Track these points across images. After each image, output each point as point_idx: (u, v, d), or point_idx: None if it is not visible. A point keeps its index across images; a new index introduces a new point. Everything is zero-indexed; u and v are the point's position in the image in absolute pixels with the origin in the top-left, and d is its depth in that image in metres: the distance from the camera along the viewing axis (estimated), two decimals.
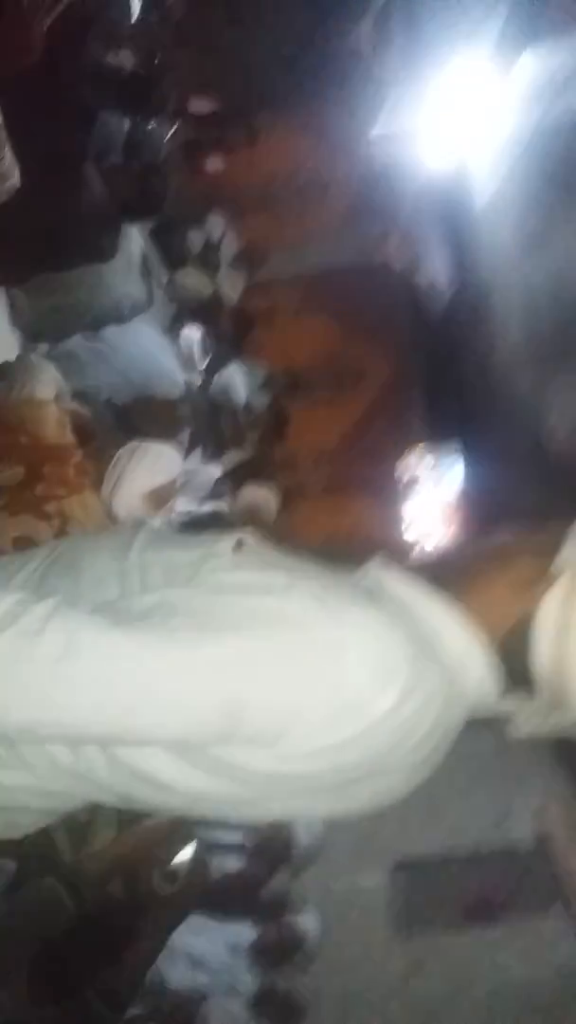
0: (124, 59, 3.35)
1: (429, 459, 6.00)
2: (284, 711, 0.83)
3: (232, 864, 3.56)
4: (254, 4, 4.87)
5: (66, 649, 0.80)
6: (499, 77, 3.03)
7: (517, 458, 4.27)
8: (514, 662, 0.93)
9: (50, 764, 0.91)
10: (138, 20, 3.30)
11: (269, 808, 0.94)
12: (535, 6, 2.51)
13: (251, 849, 3.64)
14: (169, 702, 0.82)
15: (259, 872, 3.65)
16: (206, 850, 3.06)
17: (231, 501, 3.58)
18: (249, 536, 1.02)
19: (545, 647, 0.91)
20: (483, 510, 5.34)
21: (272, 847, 3.70)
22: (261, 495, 3.68)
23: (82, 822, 2.34)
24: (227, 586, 0.90)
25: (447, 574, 0.98)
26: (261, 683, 0.83)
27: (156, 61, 3.59)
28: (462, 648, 0.92)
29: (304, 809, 0.97)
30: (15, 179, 2.18)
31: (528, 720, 0.99)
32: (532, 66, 2.70)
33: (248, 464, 4.31)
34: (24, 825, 1.10)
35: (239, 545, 0.99)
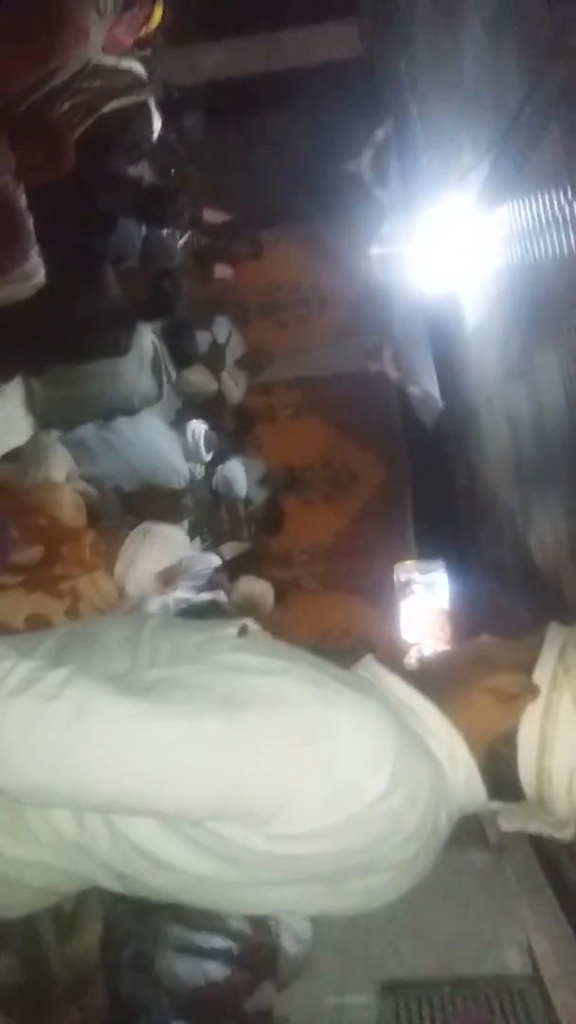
0: (144, 172, 3.63)
1: (419, 564, 6.07)
2: (277, 788, 0.85)
3: (217, 971, 3.38)
4: (264, 129, 5.31)
5: (78, 713, 0.84)
6: (486, 214, 3.29)
7: (504, 568, 4.36)
8: (500, 769, 0.96)
9: (55, 835, 0.93)
10: (159, 138, 3.57)
11: (262, 896, 0.96)
12: (520, 157, 2.77)
13: (238, 956, 3.47)
14: (168, 769, 0.85)
15: (245, 981, 3.46)
16: (192, 954, 2.94)
17: (228, 592, 3.62)
18: (253, 623, 1.08)
19: (529, 759, 0.95)
20: (471, 617, 5.38)
21: (260, 955, 3.53)
22: (258, 588, 3.72)
23: (68, 913, 2.27)
24: (229, 665, 0.94)
25: (434, 678, 1.03)
26: (256, 758, 0.86)
27: (172, 175, 3.88)
28: (449, 748, 0.96)
29: (297, 901, 0.97)
30: (40, 278, 2.34)
31: (515, 818, 1.02)
32: (516, 208, 2.96)
33: (245, 556, 4.37)
34: (19, 905, 1.12)
35: (243, 631, 1.05)
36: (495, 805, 1.00)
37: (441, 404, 5.07)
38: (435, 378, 5.02)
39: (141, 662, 1.00)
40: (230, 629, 1.05)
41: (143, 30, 2.90)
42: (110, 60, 2.79)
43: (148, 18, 2.89)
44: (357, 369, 5.86)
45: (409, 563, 6.04)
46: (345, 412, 6.15)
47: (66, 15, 2.09)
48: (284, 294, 6.10)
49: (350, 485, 6.34)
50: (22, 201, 2.12)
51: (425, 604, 5.85)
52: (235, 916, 2.93)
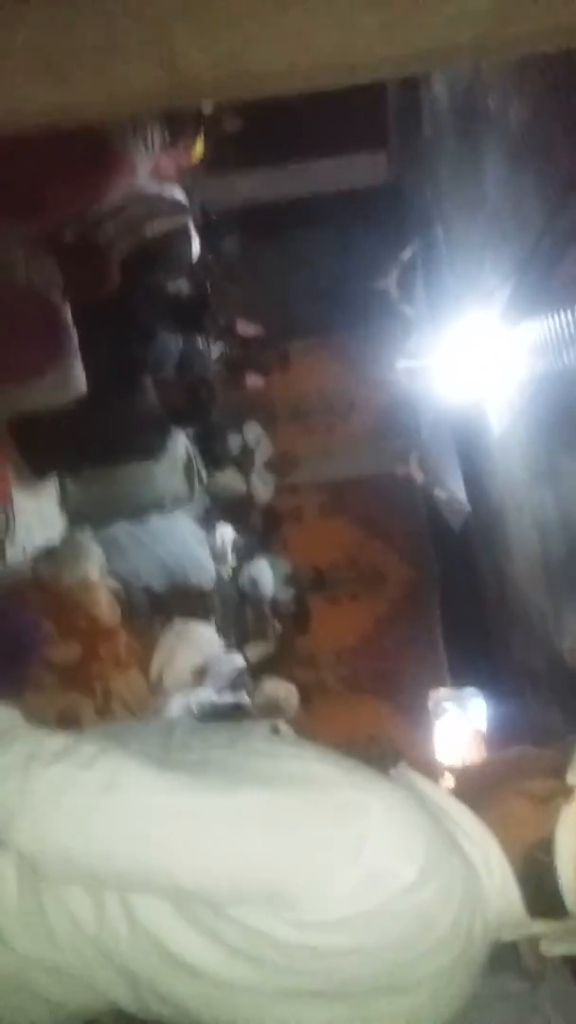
0: (181, 287, 3.84)
1: (454, 689, 5.96)
2: (304, 868, 0.84)
3: None
4: (296, 249, 5.63)
5: (110, 782, 0.86)
6: (510, 329, 3.42)
7: (535, 674, 4.29)
8: (539, 878, 0.93)
9: (72, 925, 0.91)
10: (197, 257, 3.79)
11: (282, 1015, 0.91)
12: (542, 278, 2.91)
13: None
14: (196, 842, 0.85)
15: None
16: None
17: (252, 693, 3.59)
18: (283, 724, 1.09)
19: (567, 864, 0.92)
20: (506, 734, 5.24)
21: None
22: (282, 690, 3.69)
23: None
24: (261, 751, 0.95)
25: (468, 785, 1.03)
26: (285, 836, 0.85)
27: (208, 290, 4.10)
28: (484, 852, 0.93)
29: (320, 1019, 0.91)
30: (81, 388, 2.46)
31: (560, 941, 0.97)
32: (539, 323, 3.08)
33: (270, 657, 4.35)
34: (29, 1015, 1.05)
35: (275, 729, 1.06)
36: (537, 927, 0.95)
37: (468, 507, 5.11)
38: (461, 482, 5.09)
39: (175, 748, 1.00)
40: (263, 727, 1.06)
41: (185, 160, 3.15)
42: (154, 187, 3.02)
43: (190, 150, 3.14)
44: (383, 472, 5.95)
45: (444, 690, 5.94)
46: (372, 514, 6.21)
47: (117, 156, 2.28)
48: (312, 401, 6.30)
49: (377, 585, 6.33)
50: (67, 316, 2.26)
51: (459, 725, 5.70)
52: None
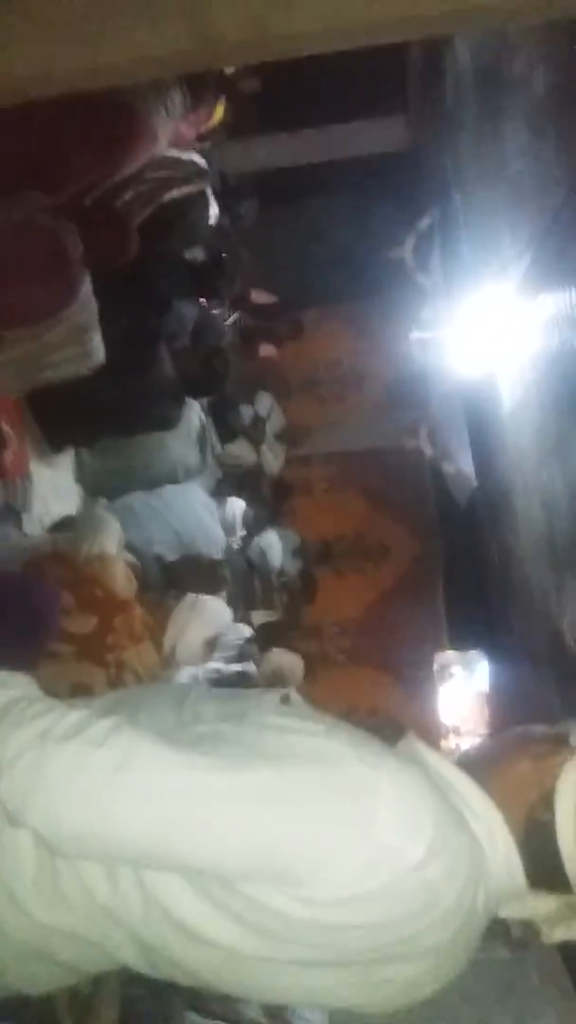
0: (196, 254, 3.80)
1: (459, 652, 5.99)
2: (314, 845, 0.85)
3: None
4: (312, 216, 5.54)
5: (123, 760, 0.87)
6: (526, 301, 3.37)
7: (535, 650, 4.31)
8: (540, 840, 0.94)
9: (86, 896, 0.93)
10: (214, 223, 3.74)
11: (289, 980, 0.93)
12: (560, 250, 2.86)
13: None
14: (208, 819, 0.86)
15: None
16: None
17: (258, 663, 3.62)
18: (295, 693, 1.10)
19: (567, 820, 0.92)
20: (502, 698, 5.28)
21: None
22: (288, 660, 3.71)
23: (84, 995, 2.23)
24: (272, 725, 0.96)
25: (471, 756, 1.05)
26: (295, 814, 0.86)
27: (223, 256, 4.05)
28: (489, 827, 0.94)
29: (326, 989, 0.94)
30: (100, 358, 2.44)
31: (559, 922, 0.97)
32: (555, 297, 3.04)
33: (275, 625, 4.37)
34: (43, 980, 1.10)
35: (286, 698, 1.07)
36: (539, 905, 0.97)
37: (475, 482, 5.10)
38: (470, 457, 5.07)
39: (186, 721, 1.02)
40: (273, 695, 1.07)
41: (205, 126, 3.09)
42: (173, 152, 2.97)
43: (210, 115, 3.08)
44: (393, 445, 5.93)
45: (449, 652, 5.96)
46: (380, 487, 6.20)
47: (139, 122, 2.24)
48: (324, 371, 6.25)
49: (382, 559, 6.34)
50: (88, 286, 2.23)
51: (453, 683, 5.74)
52: (252, 1006, 2.83)
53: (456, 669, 5.82)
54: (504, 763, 0.99)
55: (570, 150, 2.75)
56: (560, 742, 0.99)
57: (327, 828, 0.86)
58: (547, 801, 0.94)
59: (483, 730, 5.37)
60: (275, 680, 3.50)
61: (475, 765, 1.01)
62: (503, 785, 0.97)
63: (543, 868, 0.94)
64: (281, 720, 0.97)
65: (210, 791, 0.87)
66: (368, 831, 0.85)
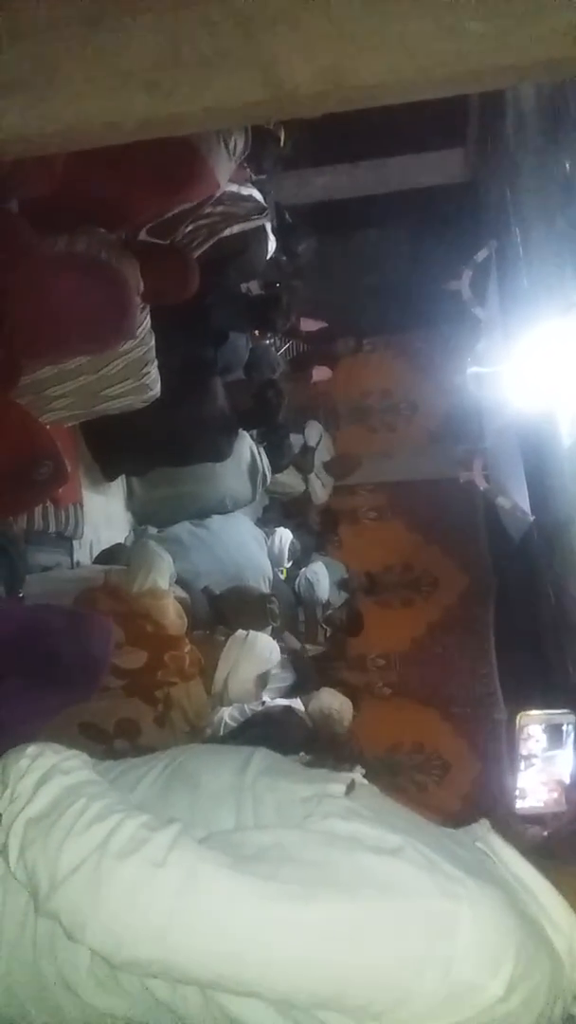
0: (253, 286, 3.82)
1: (498, 686, 5.82)
2: (390, 984, 0.81)
3: None
4: (368, 246, 5.55)
5: (185, 885, 0.82)
6: None
7: None
8: None
9: (145, 993, 0.90)
10: (271, 257, 3.76)
11: None
12: None
13: None
14: (276, 954, 0.82)
15: None
16: None
17: (306, 700, 3.56)
18: (360, 777, 1.04)
19: None
20: (573, 764, 5.11)
21: None
22: (337, 703, 3.65)
23: None
24: (340, 838, 0.90)
25: (547, 845, 1.00)
26: (369, 950, 0.82)
27: (281, 291, 4.07)
28: (570, 940, 0.89)
29: None
30: (156, 390, 2.45)
31: None
32: None
33: (319, 659, 4.33)
34: None
35: (351, 787, 1.01)
36: None
37: (531, 518, 5.00)
38: (526, 492, 4.97)
39: (245, 817, 0.97)
40: (338, 786, 1.00)
41: (265, 162, 3.11)
42: (233, 188, 2.99)
43: (271, 153, 3.10)
44: (445, 477, 5.85)
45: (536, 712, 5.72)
46: (430, 518, 6.11)
47: (201, 166, 2.25)
48: (376, 400, 6.22)
49: (431, 591, 6.24)
50: (147, 322, 2.24)
51: (503, 727, 5.56)
52: None
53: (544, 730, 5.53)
54: None
55: None
56: None
57: (404, 966, 0.82)
58: None
59: (551, 796, 5.16)
60: (323, 721, 3.44)
61: (553, 856, 0.96)
62: None
63: None
64: (350, 828, 0.91)
65: (279, 924, 0.82)
66: (448, 968, 0.81)
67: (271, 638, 2.46)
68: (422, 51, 1.30)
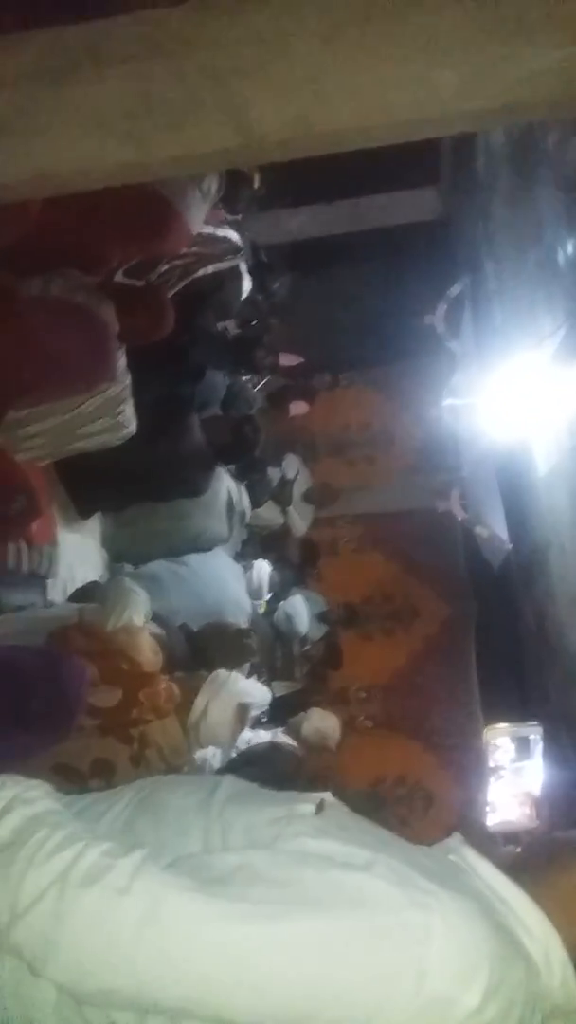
0: (230, 325, 3.86)
1: (481, 714, 5.81)
2: (363, 1000, 0.80)
3: None
4: (343, 283, 5.62)
5: (150, 911, 0.80)
6: (561, 371, 3.37)
7: (572, 721, 4.19)
8: None
9: None
10: (247, 296, 3.80)
11: None
12: None
13: None
14: (245, 978, 0.80)
15: None
16: None
17: (290, 729, 3.54)
18: (330, 797, 1.03)
19: None
20: (542, 775, 5.10)
21: None
22: (330, 722, 3.65)
23: None
24: (310, 856, 0.88)
25: (526, 862, 0.98)
26: (341, 968, 0.80)
27: (258, 329, 4.11)
28: (545, 948, 0.88)
29: None
30: (132, 428, 2.46)
31: None
32: None
33: (298, 695, 4.30)
34: None
35: (321, 806, 0.99)
36: None
37: (509, 545, 5.03)
38: (503, 520, 5.01)
39: (213, 840, 0.95)
40: (307, 806, 0.99)
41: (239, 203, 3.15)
42: (208, 229, 3.03)
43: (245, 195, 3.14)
44: (423, 507, 5.89)
45: (468, 709, 5.77)
46: (409, 548, 6.14)
47: (174, 212, 2.28)
48: (354, 432, 6.27)
49: (411, 621, 6.24)
50: (123, 362, 2.25)
51: (484, 756, 5.52)
52: None
53: (499, 754, 5.56)
54: (558, 869, 0.94)
55: None
56: None
57: (378, 980, 0.80)
58: None
59: (523, 812, 5.15)
60: (317, 741, 3.43)
61: (525, 869, 0.95)
62: (556, 895, 0.91)
63: None
64: (321, 846, 0.90)
65: (247, 944, 0.80)
66: (421, 981, 0.79)
67: (251, 681, 2.44)
68: (388, 99, 1.34)
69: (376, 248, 5.40)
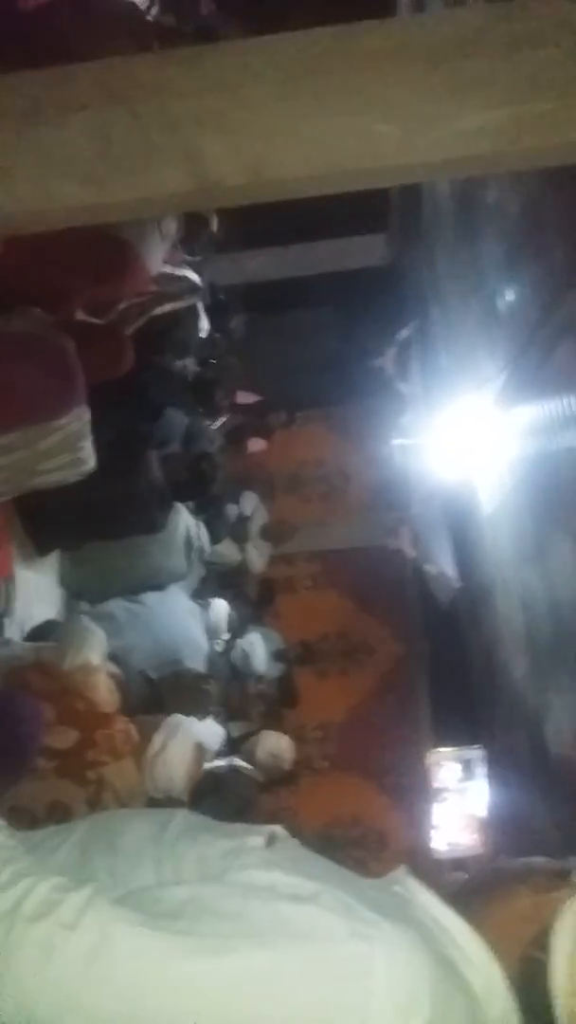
0: (188, 364, 3.91)
1: (434, 749, 5.85)
2: None
3: None
4: (298, 325, 5.76)
5: (98, 946, 0.80)
6: (503, 412, 3.49)
7: (520, 756, 4.24)
8: (533, 980, 0.89)
9: None
10: (206, 335, 3.86)
11: None
12: (535, 369, 2.98)
13: None
14: (191, 1011, 0.80)
15: None
16: None
17: (247, 751, 3.52)
18: (281, 830, 1.04)
19: (561, 963, 0.87)
20: (489, 810, 5.13)
21: None
22: (283, 744, 3.63)
23: None
24: (257, 888, 0.89)
25: (469, 890, 1.00)
26: (284, 1001, 0.81)
27: (213, 364, 4.17)
28: (487, 980, 0.89)
29: None
30: (91, 464, 2.46)
31: None
32: (530, 409, 3.15)
33: (251, 736, 4.27)
34: None
35: (271, 839, 1.01)
36: None
37: (457, 583, 5.11)
38: (451, 558, 5.10)
39: (165, 873, 0.96)
40: (257, 838, 1.00)
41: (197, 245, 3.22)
42: (167, 269, 3.09)
43: (203, 237, 3.22)
44: (376, 545, 5.97)
45: (422, 747, 5.80)
46: (363, 586, 6.20)
47: (132, 254, 2.32)
48: (309, 470, 6.36)
49: (366, 659, 6.27)
50: (83, 396, 2.27)
51: (436, 792, 5.55)
52: None
53: (444, 775, 5.62)
54: (501, 896, 0.95)
55: (542, 273, 2.90)
56: (561, 877, 0.94)
57: (320, 1012, 0.81)
58: (542, 940, 0.88)
59: (470, 838, 5.17)
60: (271, 763, 3.41)
61: (470, 897, 0.96)
62: (499, 921, 0.92)
63: (533, 1008, 0.88)
64: (268, 878, 0.90)
65: (193, 978, 0.81)
66: (365, 1013, 0.80)
67: (205, 723, 2.42)
68: (335, 148, 1.41)
69: (329, 291, 5.55)
